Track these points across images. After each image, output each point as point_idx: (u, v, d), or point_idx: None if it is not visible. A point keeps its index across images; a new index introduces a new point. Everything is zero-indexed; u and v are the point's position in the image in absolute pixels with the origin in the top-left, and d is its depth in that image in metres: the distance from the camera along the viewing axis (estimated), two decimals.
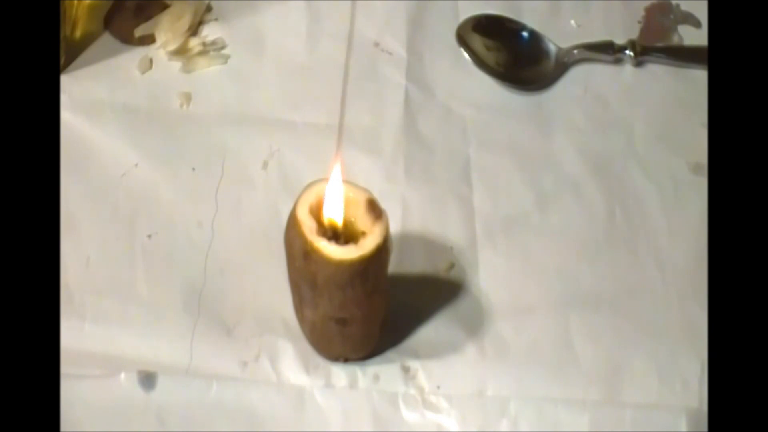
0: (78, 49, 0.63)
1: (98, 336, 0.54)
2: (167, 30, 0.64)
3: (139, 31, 0.64)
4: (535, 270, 0.57)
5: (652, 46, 0.65)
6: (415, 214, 0.59)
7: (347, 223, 0.48)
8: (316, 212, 0.47)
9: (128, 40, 0.64)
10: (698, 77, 0.64)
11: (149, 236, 0.57)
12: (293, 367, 0.53)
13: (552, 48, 0.65)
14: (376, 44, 0.65)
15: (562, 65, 0.65)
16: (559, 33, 0.66)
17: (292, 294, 0.51)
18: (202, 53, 0.64)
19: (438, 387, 0.53)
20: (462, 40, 0.65)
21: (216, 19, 0.66)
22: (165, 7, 0.65)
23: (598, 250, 0.58)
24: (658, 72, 0.65)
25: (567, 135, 0.62)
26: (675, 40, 0.66)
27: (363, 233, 0.47)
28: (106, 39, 0.64)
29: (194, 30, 0.65)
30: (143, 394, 0.51)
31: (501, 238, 0.58)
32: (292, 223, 0.47)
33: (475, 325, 0.55)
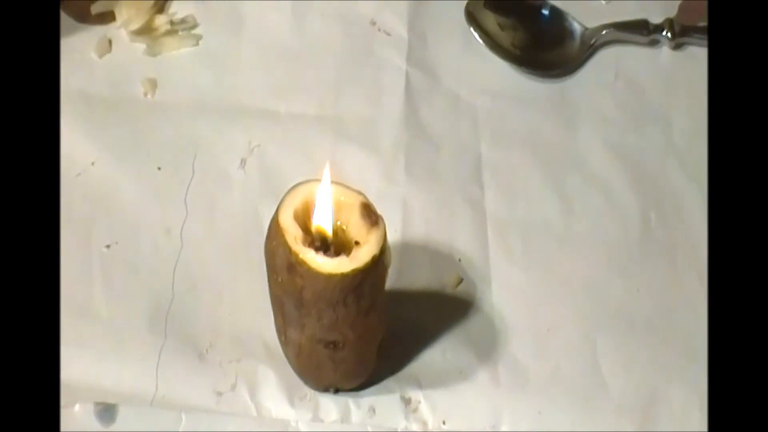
0: None
1: None
2: (129, 6, 0.63)
3: (96, 8, 0.63)
4: (557, 284, 0.56)
5: (692, 26, 0.65)
6: (418, 220, 0.58)
7: (338, 231, 0.46)
8: (303, 218, 0.46)
9: (84, 18, 0.63)
10: None
11: (108, 246, 0.56)
12: (275, 397, 0.52)
13: (577, 27, 0.65)
14: (373, 23, 0.64)
15: (589, 47, 0.64)
16: (586, 10, 0.65)
17: (273, 313, 0.50)
18: (169, 33, 0.63)
19: (443, 422, 0.52)
20: (472, 18, 0.64)
21: None
22: None
23: (630, 261, 0.57)
24: (700, 55, 0.65)
25: (595, 128, 0.62)
26: None
27: (357, 243, 0.45)
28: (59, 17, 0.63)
29: (161, 6, 0.64)
30: (101, 428, 0.50)
31: (517, 248, 0.57)
32: (275, 231, 0.45)
33: (487, 349, 0.54)
